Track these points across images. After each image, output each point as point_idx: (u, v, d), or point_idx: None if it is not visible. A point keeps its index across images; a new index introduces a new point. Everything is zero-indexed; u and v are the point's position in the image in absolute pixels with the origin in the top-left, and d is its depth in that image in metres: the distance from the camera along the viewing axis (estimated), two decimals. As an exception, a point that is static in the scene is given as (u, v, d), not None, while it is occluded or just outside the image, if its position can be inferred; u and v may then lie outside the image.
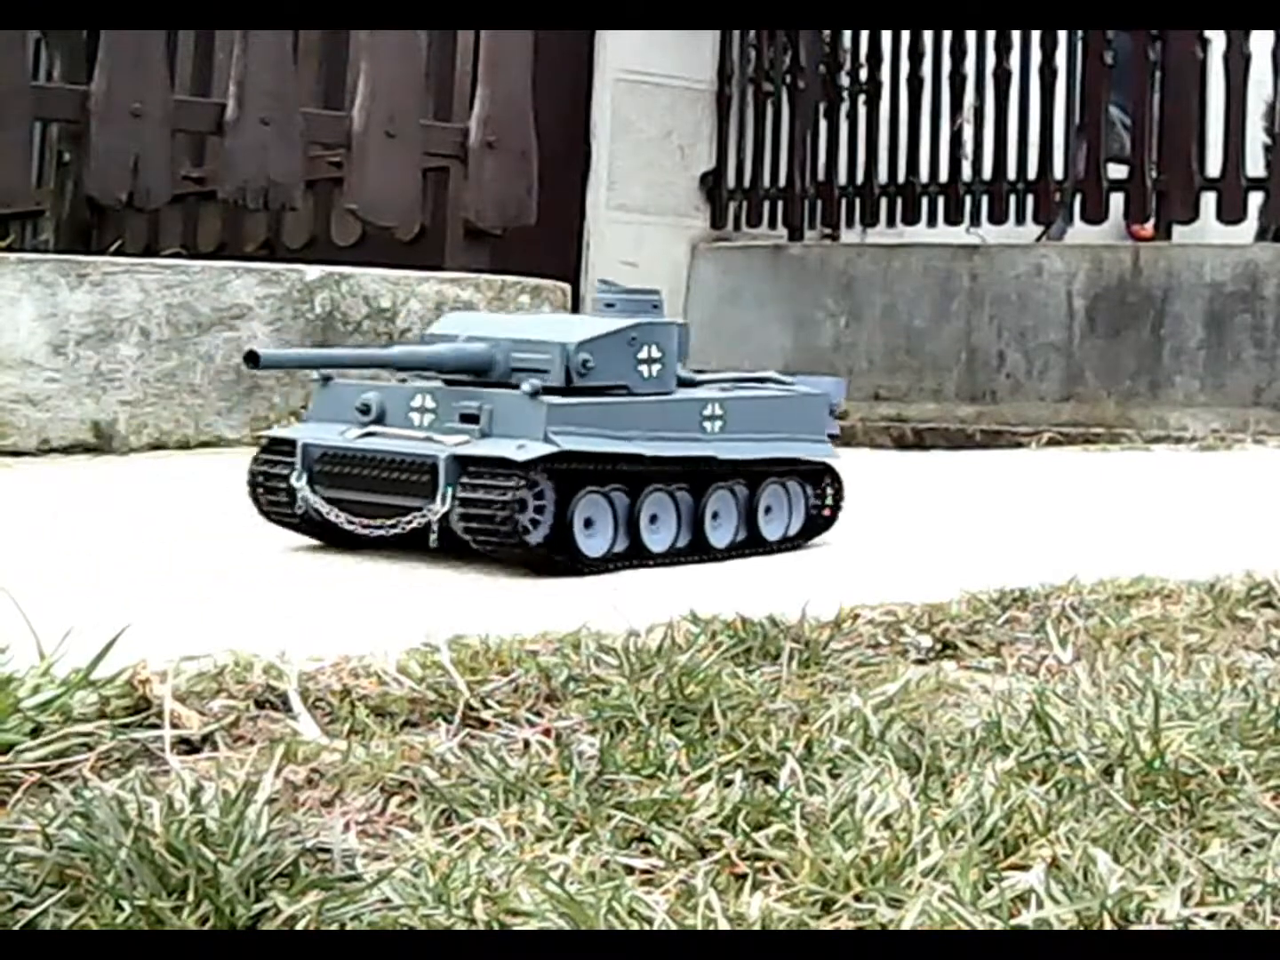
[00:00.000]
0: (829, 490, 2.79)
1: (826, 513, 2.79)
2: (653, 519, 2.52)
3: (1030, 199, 5.97)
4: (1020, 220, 6.02)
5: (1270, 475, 4.28)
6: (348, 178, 4.75)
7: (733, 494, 2.63)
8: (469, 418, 2.44)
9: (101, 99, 4.31)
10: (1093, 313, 5.57)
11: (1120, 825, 1.30)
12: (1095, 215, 5.82)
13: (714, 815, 1.30)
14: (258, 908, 1.12)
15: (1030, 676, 1.83)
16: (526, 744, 1.49)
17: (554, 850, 1.24)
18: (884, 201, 6.33)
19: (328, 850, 1.22)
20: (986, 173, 6.07)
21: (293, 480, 2.51)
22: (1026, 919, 1.13)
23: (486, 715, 1.58)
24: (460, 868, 1.18)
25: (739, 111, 6.60)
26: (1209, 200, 5.59)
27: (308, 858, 1.19)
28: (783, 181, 6.52)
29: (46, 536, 2.70)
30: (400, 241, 4.85)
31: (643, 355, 2.55)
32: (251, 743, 1.48)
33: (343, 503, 2.48)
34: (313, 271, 4.30)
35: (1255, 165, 5.59)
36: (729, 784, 1.37)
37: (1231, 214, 5.53)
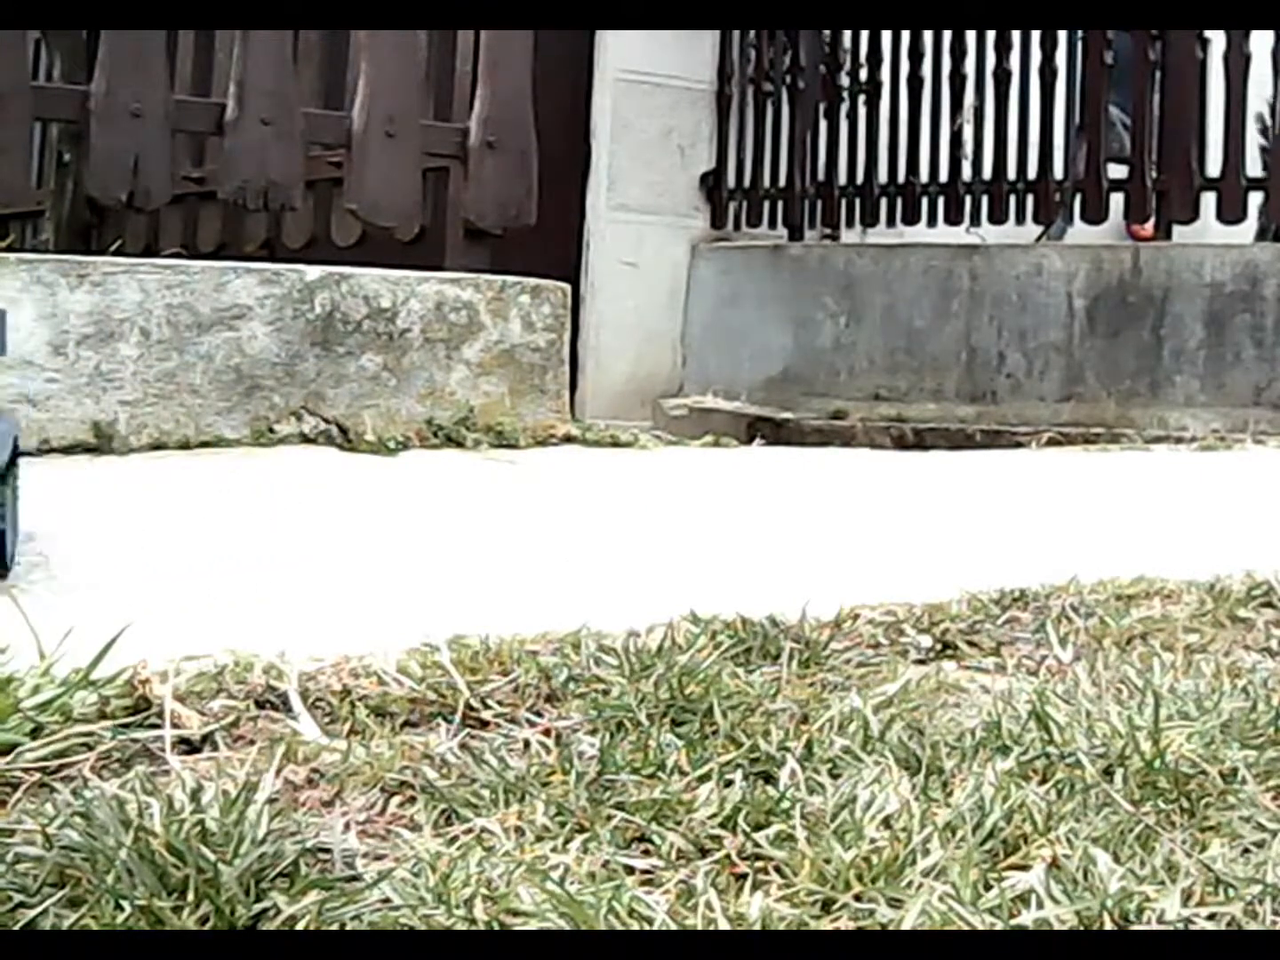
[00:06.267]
0: None
1: None
2: None
3: (1030, 199, 5.97)
4: (1020, 220, 6.02)
5: (1270, 475, 4.27)
6: (348, 178, 4.75)
7: None
8: None
9: (101, 99, 4.30)
10: (1093, 313, 5.57)
11: (1120, 825, 1.30)
12: (1095, 215, 5.82)
13: (714, 815, 1.30)
14: (258, 908, 1.12)
15: (1030, 676, 1.83)
16: (526, 744, 1.49)
17: (554, 850, 1.24)
18: (884, 201, 6.33)
19: (328, 850, 1.22)
20: (986, 173, 6.07)
21: None
22: (1026, 919, 1.13)
23: (486, 715, 1.57)
24: (460, 868, 1.18)
25: (739, 111, 6.60)
26: (1209, 200, 5.58)
27: (308, 858, 1.19)
28: (783, 181, 6.52)
29: (45, 537, 2.70)
30: (400, 241, 4.85)
31: None
32: (251, 743, 1.48)
33: None
34: (313, 271, 4.30)
35: (1255, 165, 5.59)
36: (729, 784, 1.37)
37: (1231, 214, 5.53)
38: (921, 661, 1.89)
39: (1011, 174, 6.02)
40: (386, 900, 1.13)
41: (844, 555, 2.71)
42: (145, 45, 4.38)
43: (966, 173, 6.13)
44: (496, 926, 1.11)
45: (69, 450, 3.89)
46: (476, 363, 4.51)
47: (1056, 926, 1.12)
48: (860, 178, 6.39)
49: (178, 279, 4.10)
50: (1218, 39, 5.62)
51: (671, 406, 6.29)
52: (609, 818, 1.30)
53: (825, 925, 1.13)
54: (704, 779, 1.38)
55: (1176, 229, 5.86)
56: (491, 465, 4.05)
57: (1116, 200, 5.76)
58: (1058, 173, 5.91)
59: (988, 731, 1.52)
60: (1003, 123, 6.05)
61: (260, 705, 1.56)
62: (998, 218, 6.04)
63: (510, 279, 4.62)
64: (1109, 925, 1.12)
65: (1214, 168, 5.56)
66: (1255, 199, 5.59)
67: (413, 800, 1.35)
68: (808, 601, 1.93)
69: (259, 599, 2.19)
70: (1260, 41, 5.46)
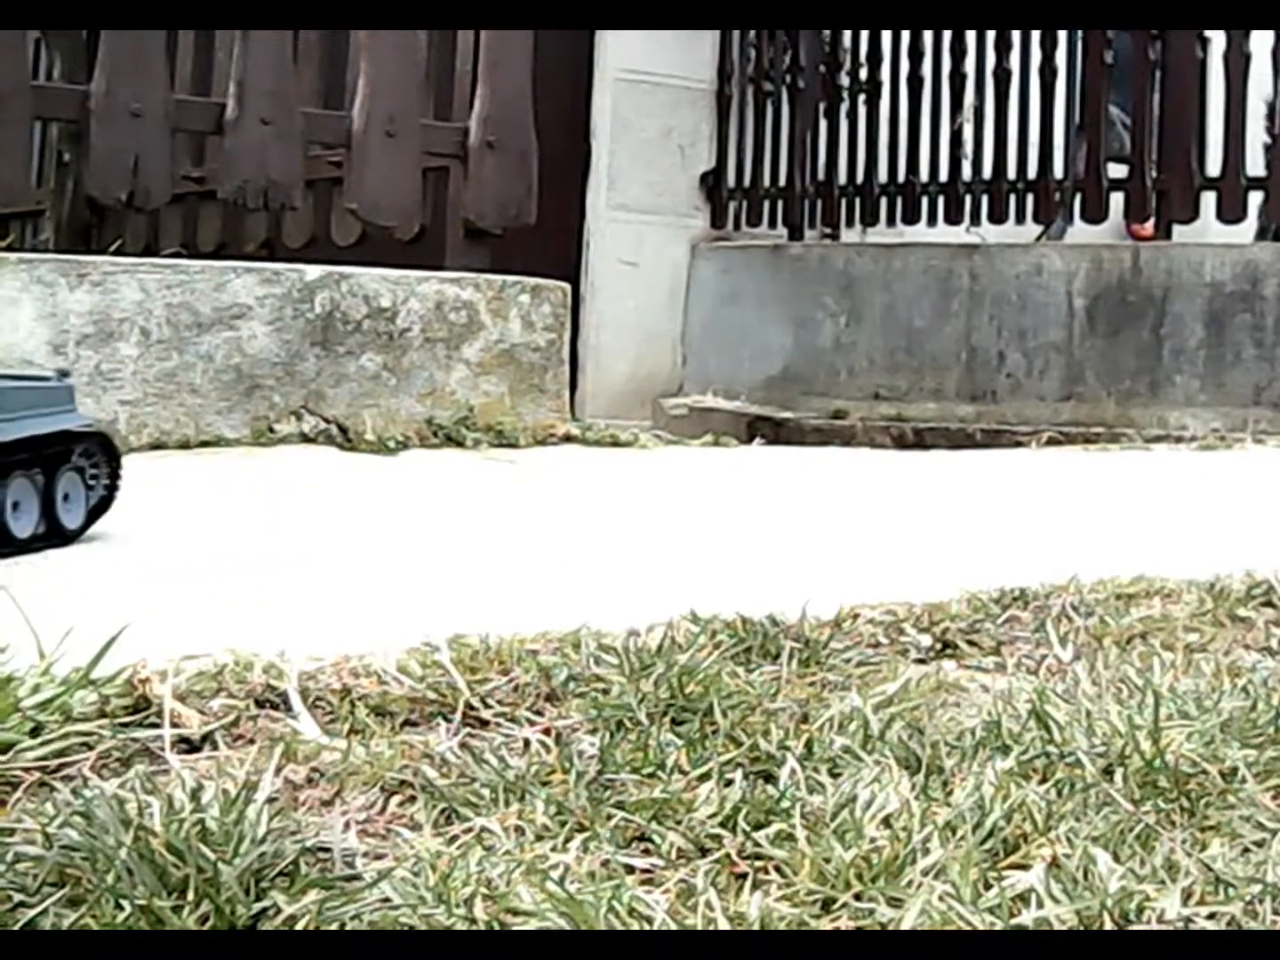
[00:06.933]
0: None
1: None
2: None
3: (1030, 199, 5.97)
4: (1020, 220, 6.02)
5: (1270, 475, 4.27)
6: (348, 178, 4.75)
7: None
8: None
9: (101, 99, 4.30)
10: (1093, 312, 5.57)
11: (1120, 825, 1.30)
12: (1095, 215, 5.82)
13: (714, 815, 1.30)
14: (258, 907, 1.12)
15: (1030, 676, 1.83)
16: (526, 743, 1.49)
17: (554, 850, 1.24)
18: (884, 201, 6.33)
19: (328, 850, 1.22)
20: (986, 173, 6.07)
21: None
22: (1026, 919, 1.12)
23: (486, 715, 1.57)
24: (460, 867, 1.18)
25: (739, 111, 6.59)
26: (1209, 200, 5.58)
27: (308, 857, 1.19)
28: (783, 181, 6.52)
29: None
30: (400, 241, 4.85)
31: None
32: (251, 742, 1.48)
33: None
34: (313, 271, 4.30)
35: (1255, 165, 5.59)
36: (729, 783, 1.37)
37: (1231, 214, 5.53)
38: (921, 661, 1.89)
39: (1011, 173, 6.01)
40: (386, 900, 1.13)
41: (844, 555, 2.71)
42: (145, 45, 4.38)
43: (966, 172, 6.13)
44: (496, 926, 1.11)
45: (69, 450, 3.88)
46: (476, 362, 4.51)
47: (1056, 926, 1.12)
48: (860, 177, 6.39)
49: (178, 279, 4.10)
50: (1218, 39, 5.62)
51: (671, 406, 6.29)
52: (609, 817, 1.30)
53: (825, 925, 1.13)
54: (704, 778, 1.38)
55: (1176, 229, 5.85)
56: (491, 465, 4.06)
57: (1116, 200, 5.76)
58: (1058, 172, 5.91)
59: (988, 731, 1.52)
60: (1003, 122, 6.05)
61: (260, 705, 1.56)
62: (998, 217, 6.03)
63: (510, 279, 4.62)
64: (1109, 925, 1.12)
65: (1214, 167, 5.56)
66: (1255, 199, 5.59)
67: (412, 799, 1.35)
68: (808, 601, 1.93)
69: (259, 599, 2.19)
70: (1260, 41, 5.46)
